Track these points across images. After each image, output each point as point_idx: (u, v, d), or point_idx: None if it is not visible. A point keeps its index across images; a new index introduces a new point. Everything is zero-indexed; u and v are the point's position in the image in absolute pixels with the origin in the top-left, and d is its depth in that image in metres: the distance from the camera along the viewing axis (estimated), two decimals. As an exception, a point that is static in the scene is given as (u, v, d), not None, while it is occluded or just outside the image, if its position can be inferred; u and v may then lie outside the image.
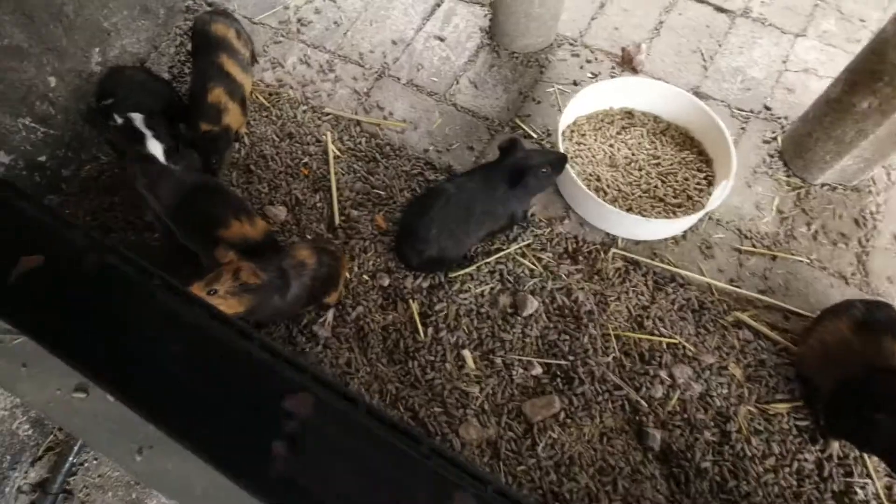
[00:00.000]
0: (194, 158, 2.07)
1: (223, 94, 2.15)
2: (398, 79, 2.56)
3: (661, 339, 2.00)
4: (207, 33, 2.21)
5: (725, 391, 1.92)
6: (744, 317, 2.04)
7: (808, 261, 2.15)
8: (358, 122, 2.44)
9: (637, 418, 1.87)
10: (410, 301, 2.04)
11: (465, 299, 2.05)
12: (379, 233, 2.18)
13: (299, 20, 2.73)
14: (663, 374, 1.93)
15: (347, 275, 2.07)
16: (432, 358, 1.94)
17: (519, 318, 2.03)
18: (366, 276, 2.09)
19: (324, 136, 2.39)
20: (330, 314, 2.01)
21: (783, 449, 1.84)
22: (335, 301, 1.97)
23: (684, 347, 1.99)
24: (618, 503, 1.73)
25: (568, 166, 2.08)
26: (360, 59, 2.61)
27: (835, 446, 1.83)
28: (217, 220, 1.79)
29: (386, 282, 2.08)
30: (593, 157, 2.30)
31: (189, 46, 2.64)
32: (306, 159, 2.34)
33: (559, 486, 1.75)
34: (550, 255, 2.15)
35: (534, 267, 2.12)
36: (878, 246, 2.18)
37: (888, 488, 1.80)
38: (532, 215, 2.23)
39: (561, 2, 2.43)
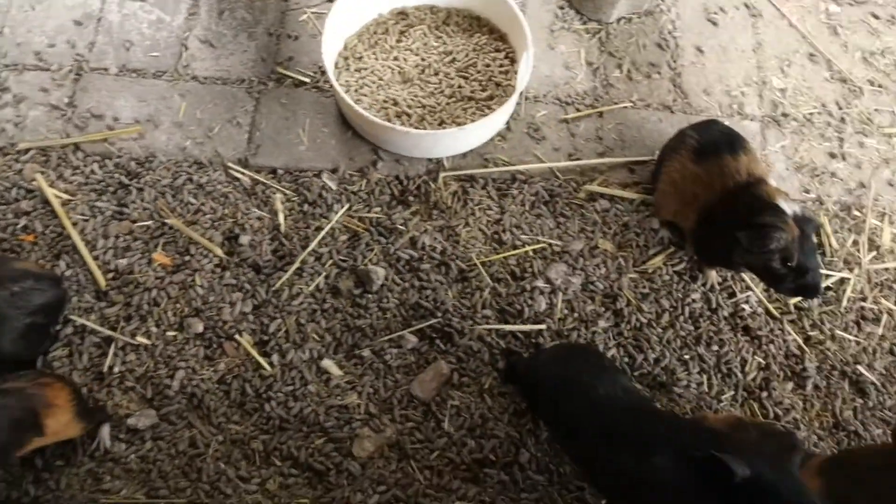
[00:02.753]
0: None
1: None
2: (105, 70, 1.98)
3: (526, 248, 1.86)
4: None
5: (603, 270, 1.86)
6: (594, 187, 1.96)
7: (631, 104, 2.08)
8: (76, 146, 1.88)
9: (528, 343, 1.75)
10: (238, 336, 1.68)
11: (301, 304, 1.74)
12: (166, 272, 1.74)
13: (-72, 39, 1.99)
14: (540, 283, 1.81)
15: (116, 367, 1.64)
16: (291, 387, 1.65)
17: (370, 295, 1.77)
18: (171, 332, 1.68)
19: (34, 182, 1.82)
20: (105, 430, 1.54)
21: (672, 301, 1.84)
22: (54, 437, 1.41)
23: (551, 245, 1.87)
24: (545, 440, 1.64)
25: (351, 101, 1.76)
26: (39, 59, 1.98)
27: (712, 275, 1.87)
28: None
29: (200, 327, 1.69)
30: (380, 79, 1.99)
31: None
32: (23, 221, 1.77)
33: (480, 451, 1.61)
34: (378, 209, 1.88)
35: (364, 231, 1.84)
36: (686, 63, 2.16)
37: (766, 290, 1.89)
38: (339, 171, 1.91)
39: None
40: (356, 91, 1.94)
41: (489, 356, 1.73)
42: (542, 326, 1.75)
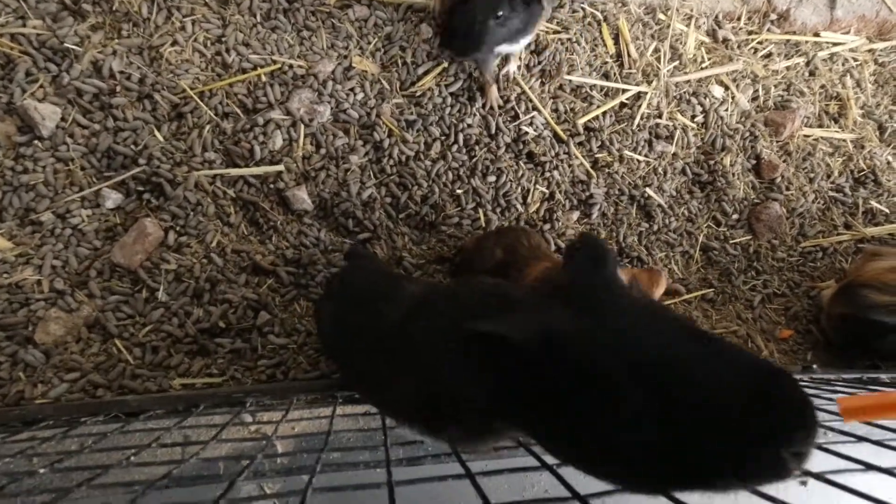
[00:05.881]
0: None
1: None
2: None
3: (259, 70, 1.49)
4: None
5: (361, 96, 1.55)
6: (347, -12, 1.57)
7: None
8: None
9: (266, 189, 1.46)
10: None
11: (-70, 159, 1.30)
12: None
13: None
14: (277, 114, 1.48)
15: None
16: (-70, 270, 1.28)
17: (40, 143, 1.36)
18: None
19: None
20: None
21: (444, 127, 1.60)
22: None
23: (292, 67, 1.51)
24: (304, 297, 1.43)
25: None
26: None
27: (493, 93, 1.63)
28: None
29: None
30: None
31: None
32: None
33: (209, 319, 1.38)
34: (38, 23, 1.39)
35: (22, 55, 1.37)
36: None
37: (554, 110, 1.69)
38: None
39: None
40: None
41: (215, 208, 1.43)
42: (280, 168, 1.46)
